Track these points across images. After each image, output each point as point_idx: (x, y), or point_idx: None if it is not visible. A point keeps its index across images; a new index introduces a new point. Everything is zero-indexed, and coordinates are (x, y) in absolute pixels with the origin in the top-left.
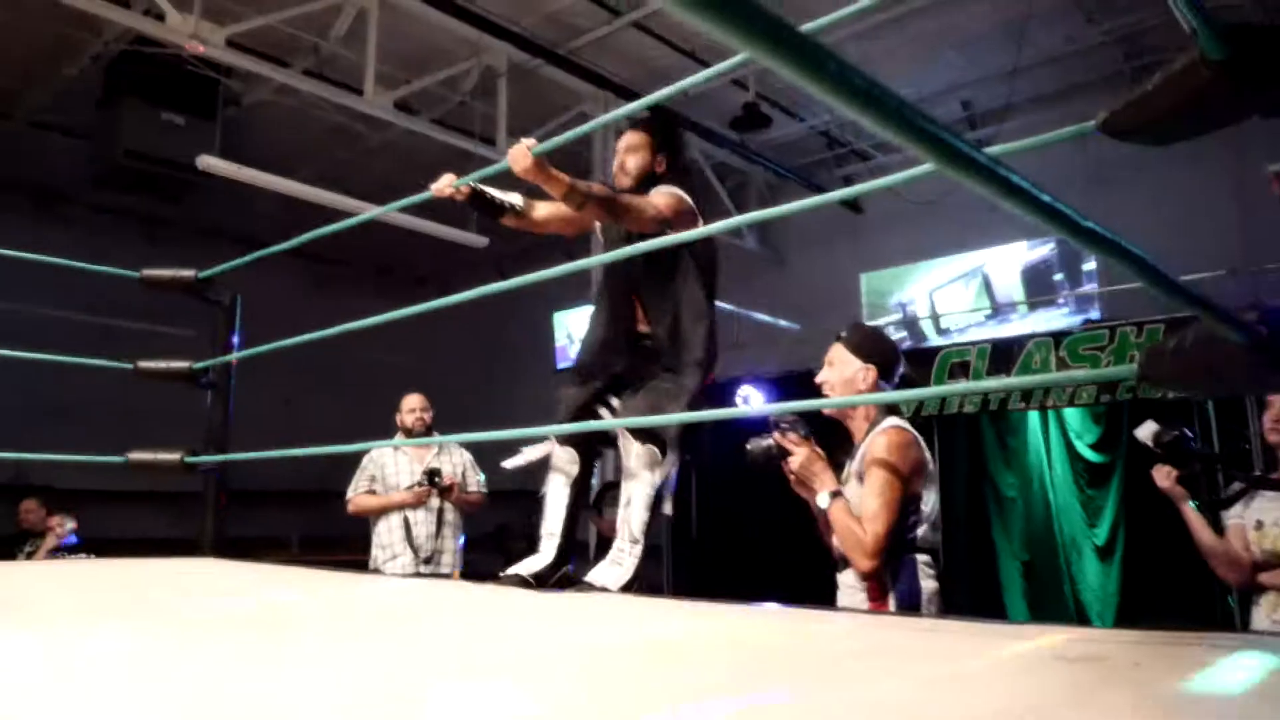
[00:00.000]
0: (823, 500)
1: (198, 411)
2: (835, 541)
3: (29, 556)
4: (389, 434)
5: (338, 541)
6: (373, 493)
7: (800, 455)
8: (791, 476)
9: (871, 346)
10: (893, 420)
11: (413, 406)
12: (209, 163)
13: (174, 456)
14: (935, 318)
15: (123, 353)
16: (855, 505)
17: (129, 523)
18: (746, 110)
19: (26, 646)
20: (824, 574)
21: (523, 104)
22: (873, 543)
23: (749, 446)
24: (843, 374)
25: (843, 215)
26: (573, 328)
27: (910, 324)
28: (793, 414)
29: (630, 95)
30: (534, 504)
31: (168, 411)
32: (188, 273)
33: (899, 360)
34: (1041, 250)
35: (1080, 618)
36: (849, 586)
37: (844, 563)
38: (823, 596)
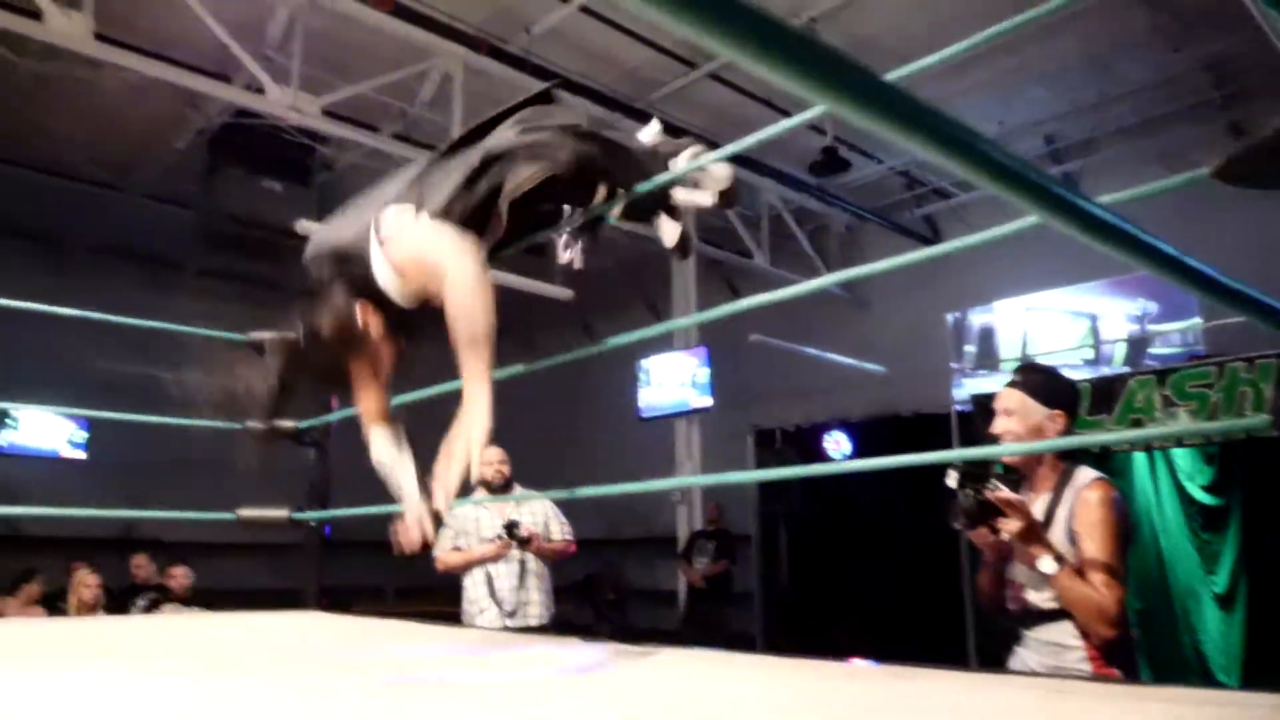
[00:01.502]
0: (1047, 566)
1: (292, 467)
2: (1030, 598)
3: (145, 610)
4: (470, 490)
5: (431, 592)
6: (457, 549)
7: (1018, 518)
8: (988, 535)
9: (1053, 390)
10: (1093, 473)
11: (490, 460)
12: (305, 226)
13: (281, 513)
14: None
15: (218, 409)
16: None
17: (230, 574)
18: (825, 154)
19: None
20: (924, 620)
21: None
22: (1115, 608)
23: (961, 503)
24: (1027, 422)
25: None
26: (656, 374)
27: (986, 355)
28: (965, 464)
29: (708, 144)
30: (622, 553)
31: (265, 467)
32: (292, 334)
33: (1079, 401)
34: (1147, 304)
35: (1203, 669)
36: (1051, 644)
37: (1032, 618)
38: (928, 643)
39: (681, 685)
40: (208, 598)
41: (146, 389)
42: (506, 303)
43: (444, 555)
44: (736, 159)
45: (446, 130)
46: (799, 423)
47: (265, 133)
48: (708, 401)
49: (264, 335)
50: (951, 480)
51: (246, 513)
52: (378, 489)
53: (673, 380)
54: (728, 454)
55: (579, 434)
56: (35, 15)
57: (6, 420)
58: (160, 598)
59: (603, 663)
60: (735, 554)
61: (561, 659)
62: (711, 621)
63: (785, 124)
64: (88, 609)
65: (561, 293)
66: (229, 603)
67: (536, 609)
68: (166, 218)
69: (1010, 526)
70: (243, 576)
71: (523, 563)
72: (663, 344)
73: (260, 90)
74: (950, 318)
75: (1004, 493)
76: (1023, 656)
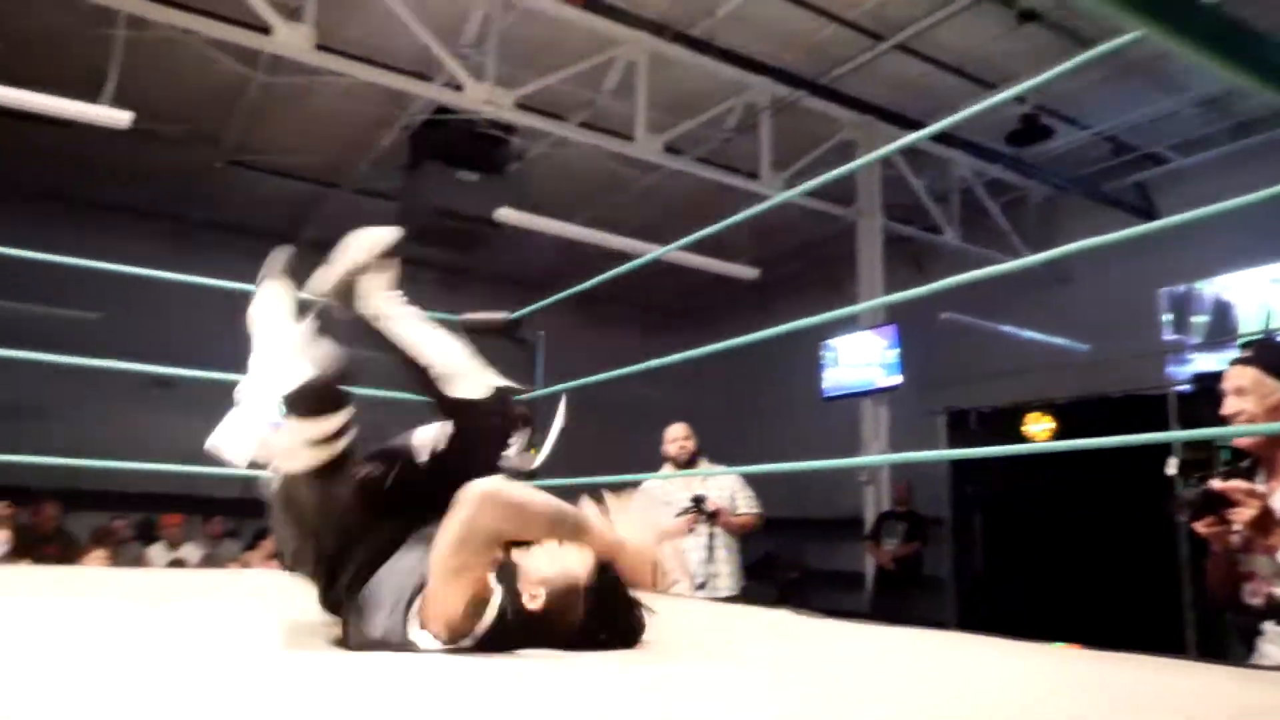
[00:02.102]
0: None
1: None
2: (1277, 591)
3: None
4: (657, 464)
5: None
6: None
7: (1251, 506)
8: (1216, 525)
9: None
10: None
11: (675, 436)
12: (505, 214)
13: None
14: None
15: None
16: None
17: None
18: (1024, 122)
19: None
20: (1134, 612)
21: (784, 136)
22: None
23: (1182, 494)
24: (1265, 402)
25: (1135, 225)
26: (843, 354)
27: (1220, 330)
28: (1186, 452)
29: (893, 118)
30: (802, 533)
31: None
32: (499, 316)
33: None
34: None
35: None
36: None
37: (1277, 611)
38: (1138, 635)
39: (974, 670)
40: None
41: (360, 369)
42: (688, 284)
43: None
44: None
45: (630, 116)
46: (995, 404)
47: (461, 127)
48: (896, 380)
49: (477, 317)
50: (1171, 468)
51: None
52: (581, 465)
53: (859, 360)
54: (917, 435)
55: (762, 414)
56: (264, 30)
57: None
58: None
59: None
60: (926, 536)
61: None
62: (900, 605)
63: (999, 97)
64: None
65: (746, 272)
66: None
67: (726, 581)
68: (374, 211)
69: (1243, 516)
70: None
71: (711, 535)
72: (848, 323)
73: (459, 87)
74: (1164, 292)
75: (1233, 482)
76: (1269, 652)
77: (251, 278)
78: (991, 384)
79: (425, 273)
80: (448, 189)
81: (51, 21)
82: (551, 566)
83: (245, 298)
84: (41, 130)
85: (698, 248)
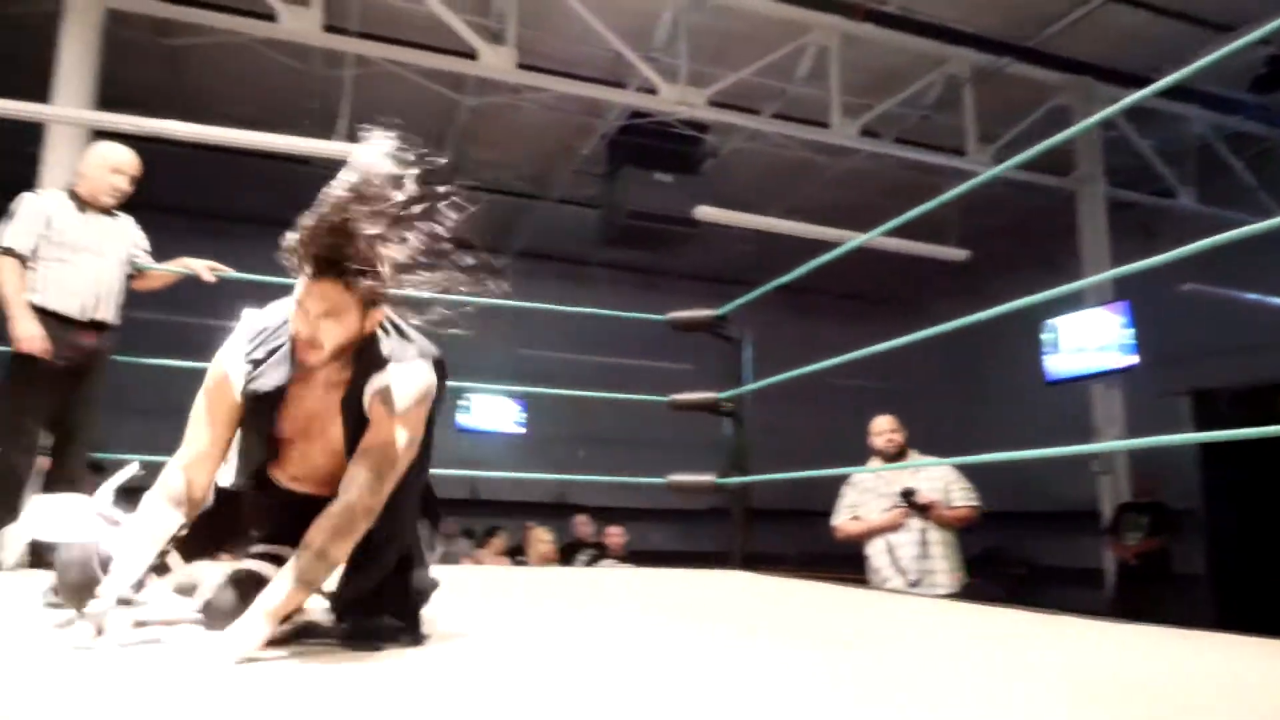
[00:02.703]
0: None
1: (687, 439)
2: None
3: (587, 564)
4: (864, 456)
5: (828, 559)
6: (856, 518)
7: None
8: None
9: None
10: None
11: (881, 429)
12: (704, 212)
13: (708, 478)
14: None
15: (625, 387)
16: None
17: (649, 538)
18: (1271, 65)
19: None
20: None
21: (989, 107)
22: None
23: None
24: None
25: None
26: (1067, 335)
27: None
28: None
29: (1111, 76)
30: (1027, 527)
31: (661, 439)
32: (707, 313)
33: None
34: None
35: None
36: None
37: None
38: None
39: None
40: (635, 558)
41: (567, 372)
42: (890, 269)
43: (843, 524)
44: (1144, 85)
45: (824, 102)
46: (1248, 381)
47: (655, 130)
48: (1131, 360)
49: (683, 315)
50: None
51: (677, 478)
52: (786, 458)
53: (1087, 341)
54: (1156, 419)
55: (978, 401)
56: (471, 56)
57: (458, 403)
58: (599, 554)
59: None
60: (1174, 530)
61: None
62: (1146, 604)
63: (1244, 40)
64: (544, 560)
65: (955, 253)
66: (653, 562)
67: (943, 578)
68: (575, 219)
69: None
70: (659, 540)
71: (923, 531)
72: (1071, 301)
73: (653, 91)
74: None
75: None
76: None
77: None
78: (1243, 359)
79: (625, 275)
80: (645, 191)
81: (288, 70)
82: None
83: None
84: (280, 166)
85: (901, 230)
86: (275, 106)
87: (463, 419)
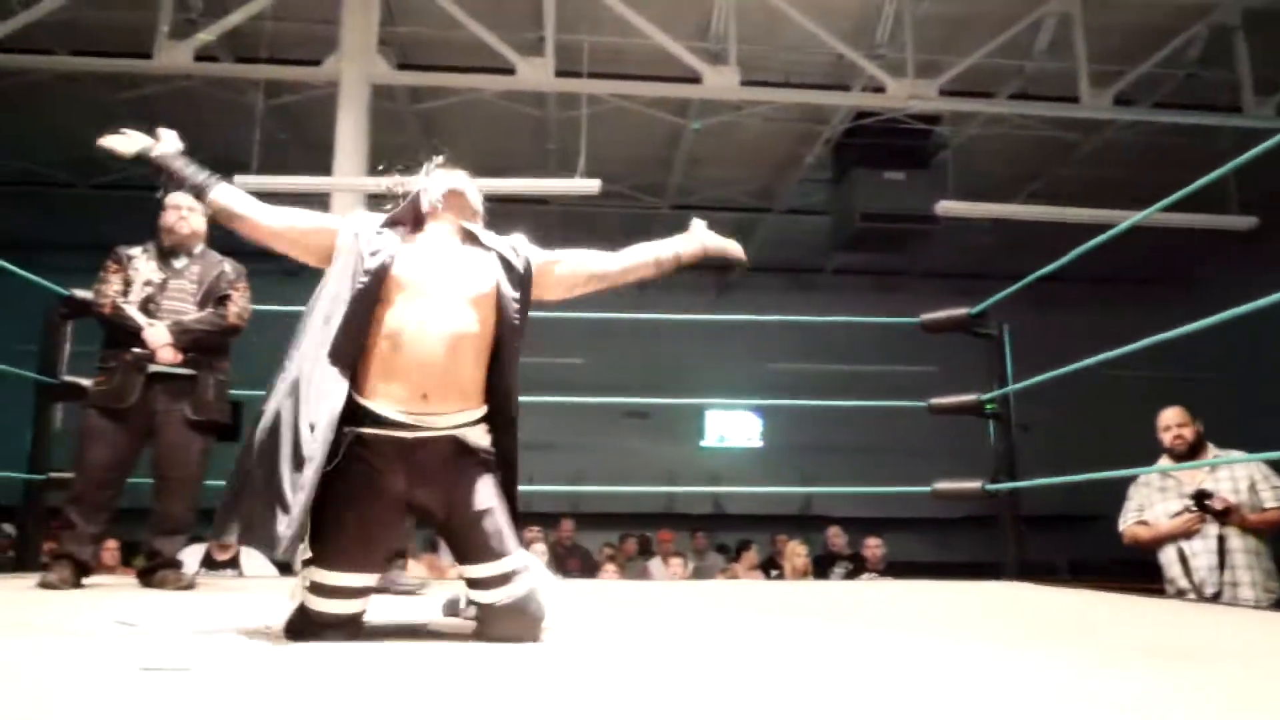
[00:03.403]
0: None
1: (931, 446)
2: None
3: (844, 577)
4: (1138, 455)
5: (1105, 568)
6: (1143, 524)
7: None
8: None
9: None
10: None
11: (1167, 423)
12: (946, 206)
13: (975, 485)
14: None
15: (866, 395)
16: None
17: (892, 548)
18: None
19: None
20: None
21: (1268, 55)
22: None
23: None
24: None
25: None
26: None
27: None
28: None
29: None
30: None
31: (903, 447)
32: (960, 311)
33: None
34: None
35: None
36: None
37: None
38: None
39: None
40: (892, 570)
41: (804, 384)
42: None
43: (1129, 528)
44: None
45: (1069, 75)
46: None
47: (881, 128)
48: None
49: (936, 316)
50: None
51: (943, 485)
52: (1047, 461)
53: None
54: None
55: (1270, 384)
56: (695, 80)
57: (703, 423)
58: (856, 567)
59: None
60: None
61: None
62: None
63: None
64: (799, 574)
65: (1239, 222)
66: (912, 574)
67: (1249, 590)
68: (804, 227)
69: None
70: (912, 551)
71: (1222, 539)
72: None
73: (880, 89)
74: None
75: None
76: None
77: (691, 307)
78: None
79: (861, 280)
80: (876, 192)
81: (527, 118)
82: None
83: (684, 332)
84: (526, 208)
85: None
86: (519, 152)
87: (707, 439)
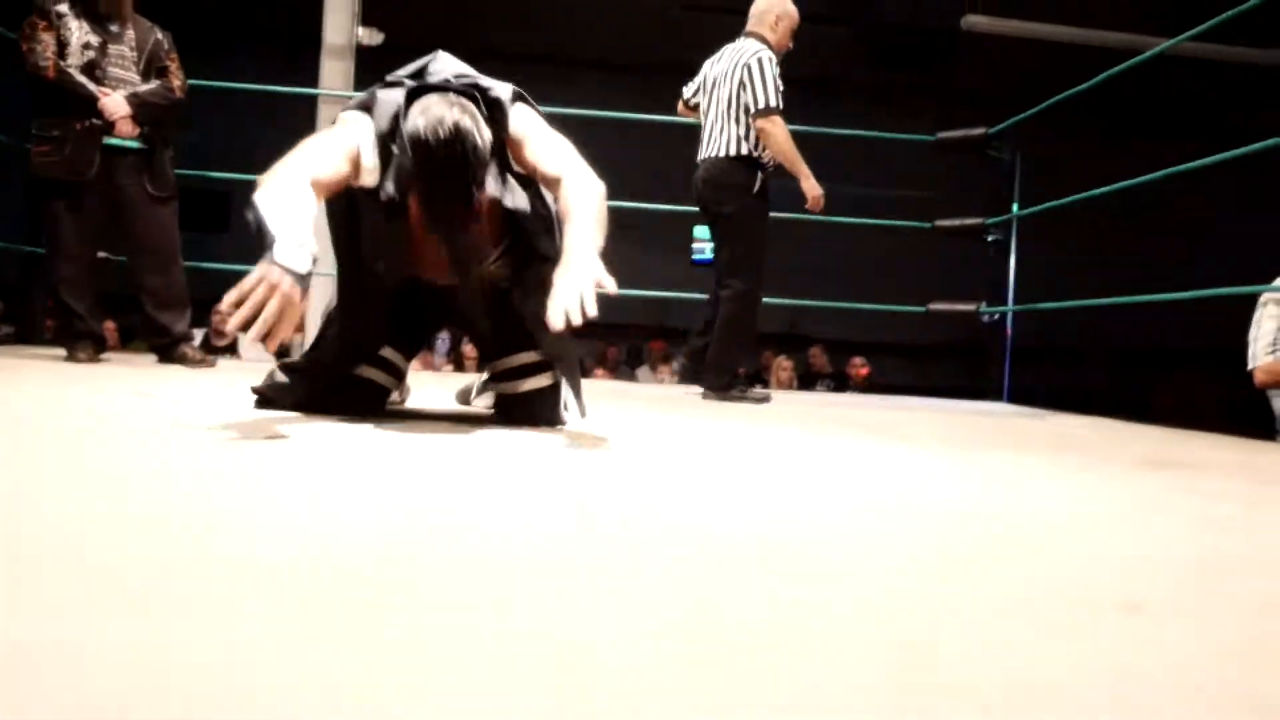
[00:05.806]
0: None
1: (920, 272)
2: None
3: (829, 392)
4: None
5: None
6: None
7: None
8: None
9: None
10: None
11: None
12: (973, 21)
13: (970, 307)
14: None
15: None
16: None
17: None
18: None
19: None
20: None
21: None
22: None
23: None
24: None
25: None
26: None
27: None
28: None
29: None
30: None
31: (896, 271)
32: (978, 130)
33: None
34: None
35: None
36: None
37: None
38: None
39: None
40: (877, 390)
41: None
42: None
43: (1266, 365)
44: None
45: None
46: None
47: None
48: None
49: (952, 134)
50: None
51: (938, 306)
52: (1047, 292)
53: None
54: None
55: None
56: None
57: (693, 242)
58: (838, 385)
59: None
60: None
61: None
62: None
63: None
64: (784, 386)
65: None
66: (896, 395)
67: None
68: (826, 38)
69: None
70: (896, 376)
71: None
72: None
73: None
74: None
75: None
76: None
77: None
78: None
79: (887, 96)
80: (907, 5)
81: None
82: None
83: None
84: None
85: (1212, 33)
86: None
87: (698, 254)
